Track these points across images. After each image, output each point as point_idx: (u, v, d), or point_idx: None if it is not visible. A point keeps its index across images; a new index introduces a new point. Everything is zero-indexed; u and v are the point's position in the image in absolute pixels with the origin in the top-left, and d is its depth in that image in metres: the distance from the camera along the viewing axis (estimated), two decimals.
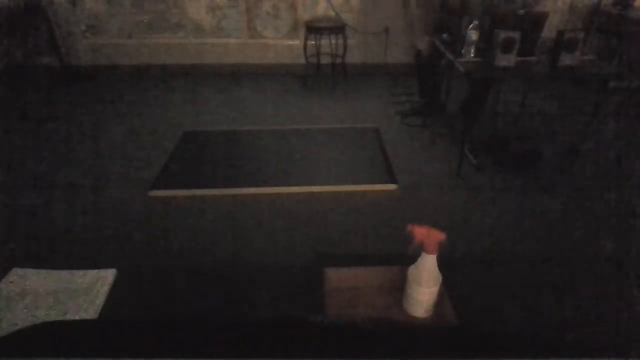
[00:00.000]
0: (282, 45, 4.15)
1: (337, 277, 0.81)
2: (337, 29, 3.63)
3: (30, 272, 0.82)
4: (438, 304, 0.77)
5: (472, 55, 2.39)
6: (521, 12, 2.29)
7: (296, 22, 4.11)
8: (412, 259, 0.75)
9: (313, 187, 2.34)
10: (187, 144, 2.84)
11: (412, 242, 0.73)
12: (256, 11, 4.07)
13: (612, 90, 3.26)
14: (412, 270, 0.75)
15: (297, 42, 4.05)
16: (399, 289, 0.81)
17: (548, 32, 2.41)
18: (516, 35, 2.16)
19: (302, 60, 3.86)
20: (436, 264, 0.73)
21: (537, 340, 0.62)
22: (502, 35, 2.16)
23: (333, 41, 3.72)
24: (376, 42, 4.10)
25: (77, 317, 0.70)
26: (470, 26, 2.36)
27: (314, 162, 2.62)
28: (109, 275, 0.82)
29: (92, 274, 0.82)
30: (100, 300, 0.76)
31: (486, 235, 1.99)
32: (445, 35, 2.75)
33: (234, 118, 3.22)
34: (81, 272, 0.82)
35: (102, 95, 3.63)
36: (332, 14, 3.97)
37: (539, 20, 2.32)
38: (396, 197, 2.28)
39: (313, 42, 3.76)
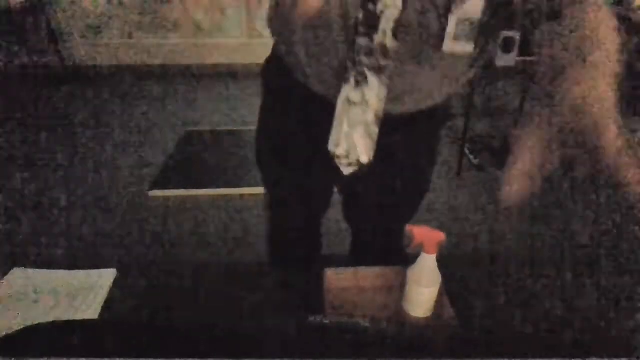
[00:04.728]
0: None
1: (337, 277, 0.81)
2: None
3: (30, 272, 0.82)
4: (438, 304, 0.77)
5: None
6: None
7: None
8: (412, 259, 0.75)
9: None
10: (187, 144, 2.84)
11: (412, 242, 0.72)
12: (256, 11, 4.07)
13: None
14: (412, 270, 0.75)
15: None
16: (399, 289, 0.81)
17: None
18: (516, 35, 2.16)
19: None
20: (436, 264, 0.73)
21: (537, 340, 0.62)
22: (502, 35, 2.16)
23: None
24: None
25: (77, 317, 0.70)
26: None
27: None
28: (109, 275, 0.81)
29: (92, 274, 0.82)
30: (100, 300, 0.76)
31: (486, 235, 2.00)
32: None
33: (234, 118, 3.22)
34: (81, 272, 0.82)
35: (102, 95, 3.63)
36: None
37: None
38: None
39: None
